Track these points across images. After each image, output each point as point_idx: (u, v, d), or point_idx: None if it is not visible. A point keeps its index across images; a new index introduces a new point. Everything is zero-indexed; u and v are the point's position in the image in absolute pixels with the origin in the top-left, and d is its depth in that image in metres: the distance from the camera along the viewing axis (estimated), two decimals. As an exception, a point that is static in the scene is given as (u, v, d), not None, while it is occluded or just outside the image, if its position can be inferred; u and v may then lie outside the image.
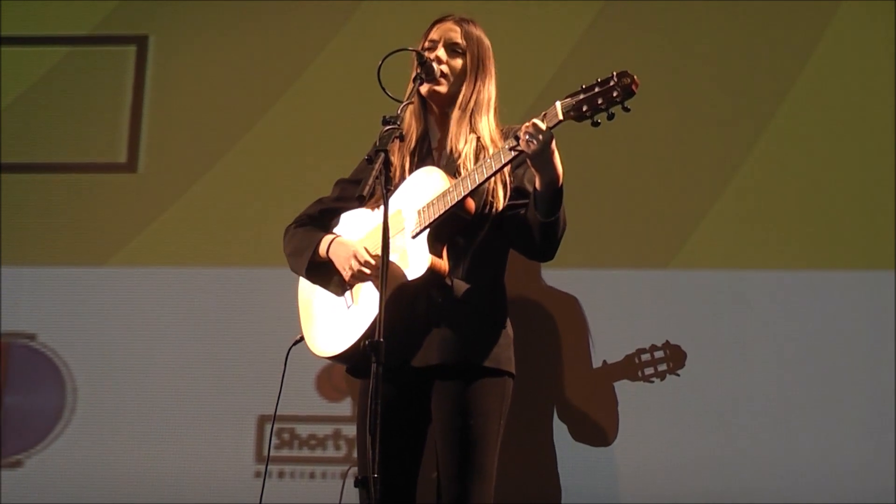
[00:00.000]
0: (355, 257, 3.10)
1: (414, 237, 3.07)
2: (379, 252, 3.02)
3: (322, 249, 3.21)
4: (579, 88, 2.88)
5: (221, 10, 5.07)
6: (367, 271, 3.08)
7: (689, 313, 4.55)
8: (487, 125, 3.20)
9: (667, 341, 4.38)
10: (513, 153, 2.95)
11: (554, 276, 4.54)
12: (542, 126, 2.90)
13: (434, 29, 3.27)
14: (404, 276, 3.03)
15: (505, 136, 3.13)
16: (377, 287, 3.01)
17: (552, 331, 4.50)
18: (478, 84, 3.22)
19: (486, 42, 3.28)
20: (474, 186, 3.00)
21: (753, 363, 4.49)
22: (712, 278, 4.59)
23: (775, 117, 4.70)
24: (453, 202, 3.01)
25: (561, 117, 2.89)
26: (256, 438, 4.63)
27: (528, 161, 2.96)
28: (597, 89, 2.84)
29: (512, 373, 3.15)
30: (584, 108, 2.85)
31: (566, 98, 2.89)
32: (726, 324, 4.54)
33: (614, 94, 2.82)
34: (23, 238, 4.92)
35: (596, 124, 2.87)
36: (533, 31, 4.86)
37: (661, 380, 4.35)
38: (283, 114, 4.94)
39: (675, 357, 4.36)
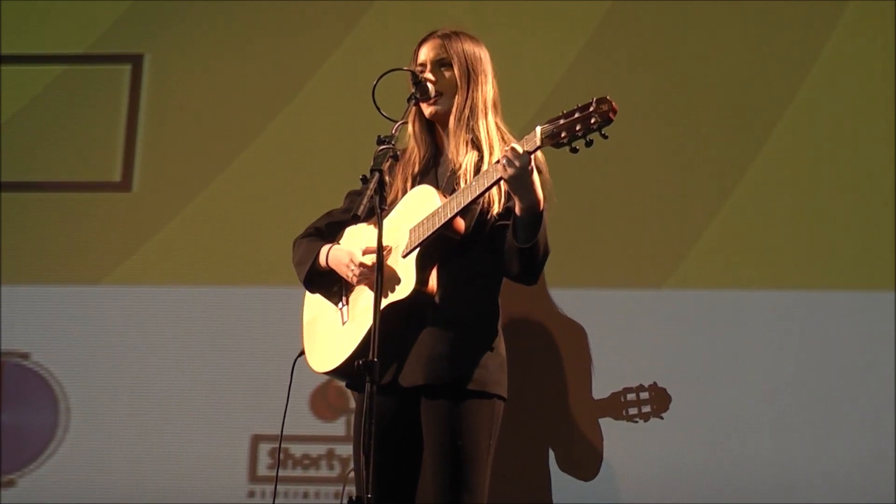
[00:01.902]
0: (351, 260, 3.14)
1: (404, 256, 3.07)
2: (370, 261, 3.06)
3: (322, 259, 3.23)
4: (560, 114, 2.86)
5: (217, 30, 5.07)
6: (364, 270, 3.10)
7: (685, 334, 4.54)
8: (486, 127, 3.18)
9: (654, 383, 4.36)
10: (495, 176, 2.94)
11: (549, 295, 4.53)
12: (520, 150, 2.89)
13: (420, 50, 3.26)
14: (393, 295, 3.04)
15: (508, 143, 3.11)
16: (373, 302, 3.03)
17: (549, 351, 4.48)
18: (470, 92, 3.19)
19: (474, 49, 3.23)
20: (459, 209, 3.00)
21: (750, 384, 4.47)
22: (708, 298, 4.58)
23: (772, 136, 4.70)
24: (441, 223, 3.01)
25: (539, 143, 2.88)
26: (250, 458, 4.61)
27: (507, 185, 2.94)
28: (576, 115, 2.82)
29: (501, 395, 3.11)
30: (563, 135, 2.83)
31: (546, 123, 2.87)
32: (722, 344, 4.52)
33: (591, 122, 2.79)
34: (17, 256, 4.90)
35: (574, 150, 2.84)
36: (540, 33, 4.83)
37: (645, 421, 4.34)
38: (277, 133, 4.94)
39: (659, 400, 4.35)
